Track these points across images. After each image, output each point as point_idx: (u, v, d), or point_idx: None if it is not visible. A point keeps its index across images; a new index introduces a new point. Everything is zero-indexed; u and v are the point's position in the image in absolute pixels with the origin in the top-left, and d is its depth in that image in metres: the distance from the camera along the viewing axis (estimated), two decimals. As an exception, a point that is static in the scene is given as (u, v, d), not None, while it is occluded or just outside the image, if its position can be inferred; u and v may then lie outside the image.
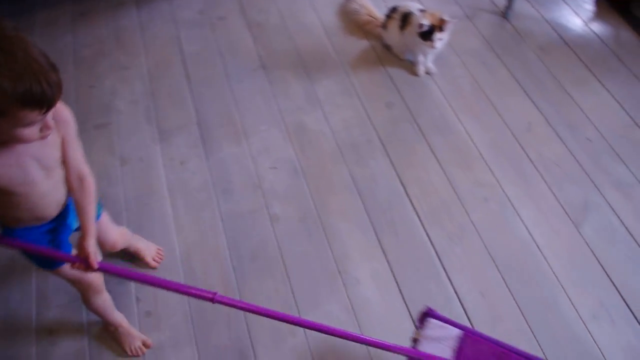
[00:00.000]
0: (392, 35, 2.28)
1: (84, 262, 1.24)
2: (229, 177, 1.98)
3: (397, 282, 1.76)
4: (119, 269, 1.34)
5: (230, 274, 1.77)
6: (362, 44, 2.39)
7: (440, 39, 2.13)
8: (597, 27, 2.47)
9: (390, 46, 2.34)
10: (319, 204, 1.92)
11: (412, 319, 1.68)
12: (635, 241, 1.84)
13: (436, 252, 1.82)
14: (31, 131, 1.06)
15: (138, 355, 1.58)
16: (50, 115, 1.06)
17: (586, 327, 1.68)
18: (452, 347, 1.35)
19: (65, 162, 1.24)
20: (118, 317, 1.59)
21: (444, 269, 1.78)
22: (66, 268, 1.36)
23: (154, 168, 2.00)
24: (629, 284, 1.75)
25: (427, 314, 1.43)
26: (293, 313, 1.69)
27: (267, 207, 1.91)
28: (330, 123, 2.12)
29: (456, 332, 1.38)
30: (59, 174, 1.25)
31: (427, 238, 1.84)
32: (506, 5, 2.43)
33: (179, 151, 2.04)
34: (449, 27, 2.13)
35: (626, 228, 1.87)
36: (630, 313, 1.70)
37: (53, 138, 1.18)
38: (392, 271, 1.78)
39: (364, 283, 1.75)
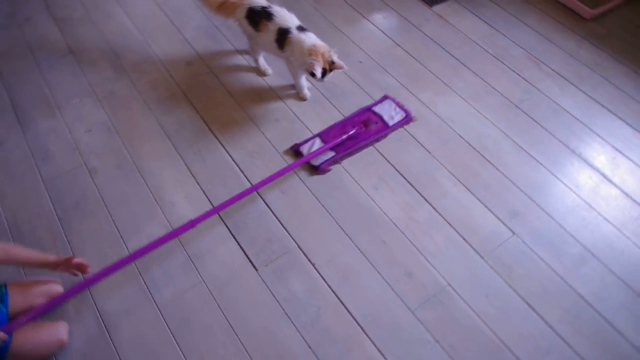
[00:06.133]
0: (264, 44, 2.23)
1: (71, 267, 1.60)
2: (47, 146, 2.14)
3: (208, 198, 2.01)
4: (112, 266, 1.66)
5: (57, 224, 1.93)
6: (160, 17, 2.66)
7: (329, 77, 2.13)
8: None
9: (253, 45, 2.36)
10: (132, 152, 2.13)
11: (226, 225, 1.93)
12: (403, 128, 2.23)
13: (240, 168, 2.09)
14: None
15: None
16: None
17: (370, 197, 2.02)
18: (321, 143, 2.13)
19: None
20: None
21: (247, 178, 2.06)
22: (37, 334, 1.58)
23: (-30, 153, 2.12)
24: (399, 158, 2.13)
25: (296, 147, 2.14)
26: (118, 242, 1.89)
27: (86, 163, 2.10)
28: (137, 86, 2.35)
29: (317, 139, 2.16)
30: None
31: (230, 159, 2.12)
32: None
33: (-5, 134, 2.18)
34: (340, 65, 2.09)
35: (395, 120, 2.26)
36: (403, 179, 2.07)
37: None
38: (203, 190, 2.03)
39: (179, 205, 1.99)
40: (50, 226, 1.92)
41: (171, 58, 2.48)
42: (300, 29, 2.14)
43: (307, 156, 2.07)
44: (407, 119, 2.23)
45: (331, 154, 2.11)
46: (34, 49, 2.50)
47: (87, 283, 1.65)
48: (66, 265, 1.63)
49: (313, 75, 2.06)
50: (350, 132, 2.15)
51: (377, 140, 2.17)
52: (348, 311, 1.75)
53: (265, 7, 2.16)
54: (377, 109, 2.26)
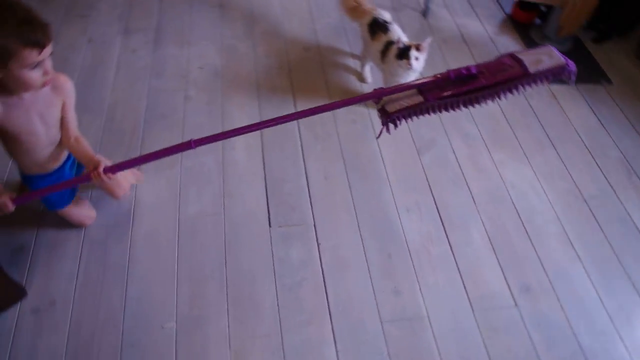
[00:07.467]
0: (372, 53, 2.43)
1: (95, 171, 1.51)
2: (165, 66, 2.53)
3: (263, 155, 2.24)
4: (121, 164, 1.55)
5: (141, 124, 2.28)
6: (303, 4, 2.99)
7: (417, 58, 2.21)
8: (495, 36, 3.02)
9: (364, 52, 2.57)
10: (225, 96, 2.44)
11: (265, 182, 2.15)
12: (462, 171, 2.30)
13: (301, 144, 2.30)
14: (35, 74, 1.37)
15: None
16: (49, 62, 1.39)
17: (398, 215, 2.12)
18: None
19: (63, 123, 1.59)
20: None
21: (303, 155, 2.26)
22: (68, 209, 1.83)
23: (110, 49, 2.57)
24: (444, 196, 2.20)
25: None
26: (177, 158, 2.18)
27: (185, 90, 2.44)
28: (256, 51, 2.68)
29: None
30: (55, 133, 1.60)
31: (298, 134, 2.34)
32: (424, 7, 3.02)
33: (134, 43, 2.62)
34: (424, 48, 2.22)
35: (458, 163, 2.33)
36: (437, 213, 2.14)
37: (55, 101, 1.53)
38: (262, 147, 2.26)
39: (238, 150, 2.24)
40: (136, 123, 2.27)
41: (295, 39, 2.78)
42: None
43: (386, 88, 1.53)
44: (568, 70, 1.43)
45: (418, 98, 1.50)
46: (192, -5, 2.97)
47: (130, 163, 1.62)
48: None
49: (400, 53, 2.18)
50: (457, 74, 1.46)
51: (499, 93, 1.44)
52: (326, 293, 1.86)
53: (386, 22, 2.40)
54: (520, 54, 1.47)
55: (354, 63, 2.71)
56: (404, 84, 1.53)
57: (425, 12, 3.03)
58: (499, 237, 2.10)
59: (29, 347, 1.62)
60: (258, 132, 2.32)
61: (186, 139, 2.19)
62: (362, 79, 2.62)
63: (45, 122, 1.55)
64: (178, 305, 1.77)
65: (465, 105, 1.48)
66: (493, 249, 2.06)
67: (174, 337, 1.69)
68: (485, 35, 3.03)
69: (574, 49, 2.98)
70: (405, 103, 1.52)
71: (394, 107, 1.53)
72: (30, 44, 1.30)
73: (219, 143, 2.24)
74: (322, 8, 3.01)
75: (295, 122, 2.38)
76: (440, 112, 1.51)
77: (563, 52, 1.52)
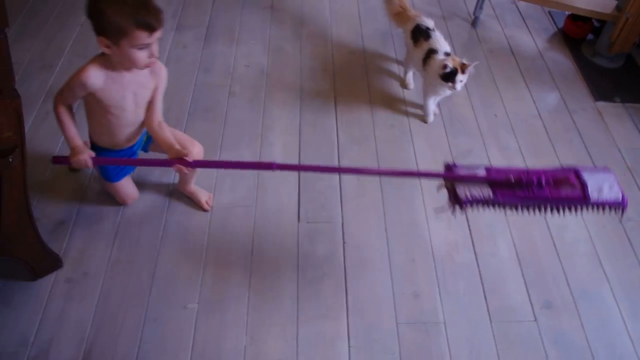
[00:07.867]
0: (415, 59, 2.47)
1: (181, 162, 1.62)
2: (213, 62, 2.65)
3: (299, 153, 2.31)
4: (202, 162, 1.81)
5: (185, 115, 2.40)
6: (353, 9, 3.05)
7: (462, 81, 2.26)
8: (544, 50, 2.98)
9: (407, 58, 2.64)
10: (268, 94, 2.53)
11: (299, 179, 2.22)
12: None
13: (338, 145, 2.36)
14: (142, 55, 1.50)
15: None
16: (155, 46, 1.51)
17: (427, 221, 2.14)
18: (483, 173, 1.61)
19: (151, 106, 1.71)
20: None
21: (338, 155, 2.32)
22: (119, 184, 1.91)
23: (162, 43, 2.70)
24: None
25: (451, 166, 1.67)
26: (216, 149, 2.28)
27: (230, 86, 2.55)
28: (302, 52, 2.76)
29: (481, 168, 1.63)
30: (141, 114, 1.71)
31: (335, 136, 2.39)
32: (473, 17, 3.02)
33: (185, 39, 2.76)
34: (469, 70, 2.26)
35: (491, 174, 2.33)
36: (466, 222, 2.15)
37: (149, 83, 1.65)
38: (299, 146, 2.33)
39: (275, 147, 2.32)
40: (180, 114, 2.40)
41: (341, 43, 2.84)
42: (447, 54, 2.34)
43: (457, 175, 1.62)
44: (622, 204, 1.57)
45: (487, 192, 1.57)
46: (245, -4, 3.10)
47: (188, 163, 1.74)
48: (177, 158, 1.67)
49: (446, 76, 2.22)
50: (528, 180, 1.56)
51: (557, 208, 1.57)
52: (346, 290, 1.91)
53: (429, 29, 2.43)
54: (585, 174, 1.61)
55: (398, 69, 2.75)
56: (475, 174, 1.60)
57: (474, 22, 3.03)
58: (526, 251, 2.08)
59: (59, 311, 1.75)
60: (296, 130, 2.39)
61: (227, 132, 2.33)
62: (404, 85, 2.65)
63: (136, 101, 1.67)
64: (202, 288, 1.86)
65: (527, 211, 1.57)
66: (519, 261, 2.05)
67: (194, 317, 1.78)
68: (534, 49, 3.00)
69: (626, 67, 2.90)
70: (476, 193, 1.57)
71: (464, 194, 1.57)
72: (142, 25, 1.43)
73: (258, 138, 2.34)
74: (372, 14, 3.06)
75: (333, 122, 2.44)
76: (504, 210, 1.59)
77: (614, 70, 1.60)
